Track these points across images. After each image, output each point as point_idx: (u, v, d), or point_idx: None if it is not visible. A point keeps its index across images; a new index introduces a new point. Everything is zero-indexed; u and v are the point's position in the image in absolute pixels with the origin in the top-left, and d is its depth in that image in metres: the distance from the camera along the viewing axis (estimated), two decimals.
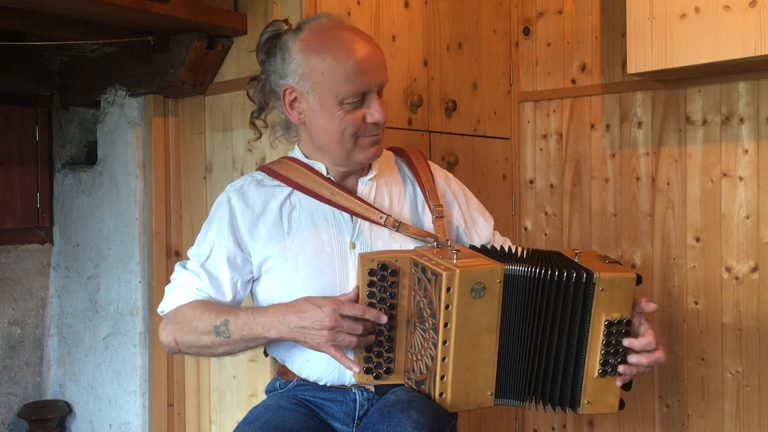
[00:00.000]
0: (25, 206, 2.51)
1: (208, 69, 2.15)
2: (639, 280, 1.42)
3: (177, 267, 1.57)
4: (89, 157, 2.55)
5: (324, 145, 1.54)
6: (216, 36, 2.10)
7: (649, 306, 1.45)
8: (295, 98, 1.52)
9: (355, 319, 1.36)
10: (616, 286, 1.40)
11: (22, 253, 2.54)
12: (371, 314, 1.38)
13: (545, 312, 1.41)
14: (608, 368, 1.42)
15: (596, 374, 1.42)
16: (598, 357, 1.42)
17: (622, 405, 1.47)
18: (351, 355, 1.42)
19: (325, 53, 1.46)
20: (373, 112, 1.48)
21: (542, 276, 1.40)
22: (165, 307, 1.54)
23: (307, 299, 1.39)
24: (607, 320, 1.40)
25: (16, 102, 2.48)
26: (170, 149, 2.32)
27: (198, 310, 1.47)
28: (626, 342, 1.42)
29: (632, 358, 1.43)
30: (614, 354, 1.42)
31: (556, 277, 1.40)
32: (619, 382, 1.44)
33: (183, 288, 1.52)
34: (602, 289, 1.38)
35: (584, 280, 1.39)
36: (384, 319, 1.39)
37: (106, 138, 2.40)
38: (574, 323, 1.41)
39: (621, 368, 1.42)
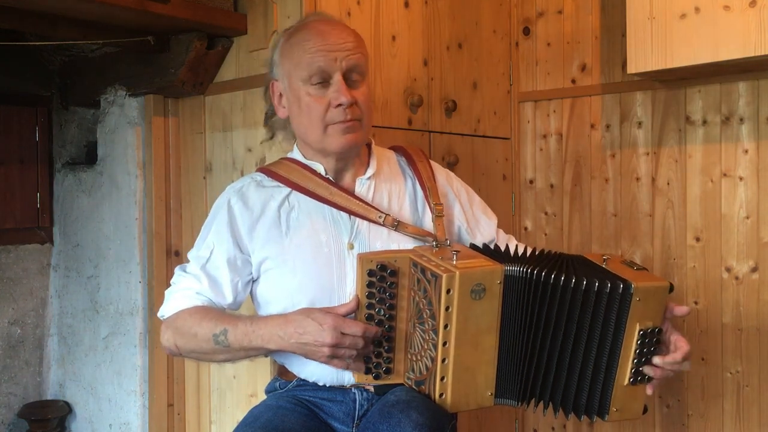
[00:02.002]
0: (25, 206, 2.51)
1: (208, 69, 2.15)
2: (671, 288, 1.42)
3: (177, 271, 1.57)
4: (89, 157, 2.55)
5: (302, 134, 1.56)
6: (216, 36, 2.10)
7: (681, 309, 1.44)
8: (280, 93, 1.56)
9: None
10: (651, 296, 1.39)
11: (22, 253, 2.54)
12: (371, 332, 1.37)
13: (558, 315, 1.40)
14: (639, 376, 1.42)
15: (626, 382, 1.42)
16: (630, 365, 1.41)
17: (645, 410, 1.47)
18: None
19: (294, 40, 1.52)
20: (336, 95, 1.47)
21: (546, 278, 1.39)
22: (165, 311, 1.53)
23: (308, 313, 1.38)
24: (641, 330, 1.39)
25: (16, 102, 2.48)
26: (170, 149, 2.31)
27: (197, 317, 1.47)
28: (656, 360, 1.41)
29: (657, 370, 1.43)
30: (646, 363, 1.42)
31: (574, 283, 1.38)
32: (650, 390, 1.44)
33: (183, 292, 1.52)
34: (638, 299, 1.38)
35: (620, 291, 1.38)
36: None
37: (106, 138, 2.40)
38: (607, 332, 1.40)
39: (646, 369, 1.41)
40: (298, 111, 1.52)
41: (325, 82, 1.48)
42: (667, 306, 1.44)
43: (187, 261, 1.57)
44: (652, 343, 1.41)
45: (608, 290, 1.38)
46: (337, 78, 1.48)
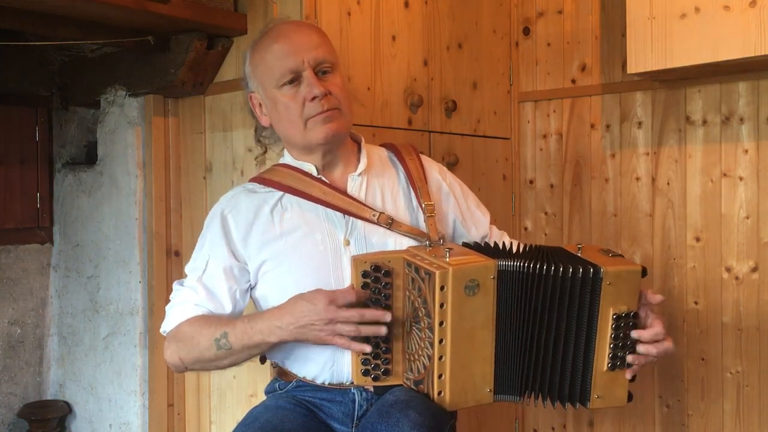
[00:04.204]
0: (25, 206, 2.51)
1: (208, 69, 2.15)
2: (644, 272, 1.42)
3: (175, 285, 1.57)
4: (89, 157, 2.55)
5: (286, 136, 1.57)
6: (216, 36, 2.10)
7: (655, 298, 1.45)
8: (260, 104, 1.58)
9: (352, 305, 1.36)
10: (623, 280, 1.40)
11: (22, 253, 2.54)
12: (360, 297, 1.37)
13: (544, 307, 1.41)
14: (617, 361, 1.42)
15: (605, 368, 1.42)
16: (607, 351, 1.42)
17: (630, 397, 1.47)
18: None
19: (259, 48, 1.55)
20: (308, 89, 1.49)
21: (538, 271, 1.39)
22: (166, 326, 1.54)
23: (300, 297, 1.38)
24: (614, 314, 1.40)
25: (16, 102, 2.48)
26: (170, 149, 2.32)
27: (196, 326, 1.47)
28: (635, 334, 1.42)
29: (641, 348, 1.42)
30: (623, 347, 1.42)
31: (553, 272, 1.39)
32: (629, 375, 1.44)
33: (181, 306, 1.52)
34: (609, 283, 1.38)
35: (591, 275, 1.39)
36: (387, 317, 1.37)
37: (106, 138, 2.40)
38: (582, 318, 1.41)
39: (630, 358, 1.42)
40: (277, 115, 1.54)
41: (296, 80, 1.51)
42: (643, 292, 1.45)
43: (185, 274, 1.57)
44: (628, 326, 1.42)
45: (580, 275, 1.39)
46: (307, 74, 1.50)
